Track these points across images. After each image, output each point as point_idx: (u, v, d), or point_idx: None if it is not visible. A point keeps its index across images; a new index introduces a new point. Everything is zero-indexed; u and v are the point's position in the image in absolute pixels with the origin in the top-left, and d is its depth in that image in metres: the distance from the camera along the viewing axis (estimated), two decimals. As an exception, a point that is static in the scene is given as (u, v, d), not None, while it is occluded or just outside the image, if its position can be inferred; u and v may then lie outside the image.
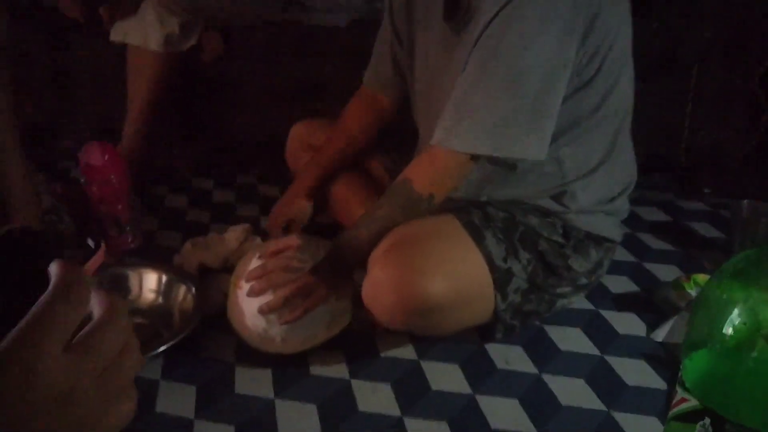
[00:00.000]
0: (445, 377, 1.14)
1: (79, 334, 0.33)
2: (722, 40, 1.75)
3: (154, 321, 1.24)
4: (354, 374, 1.14)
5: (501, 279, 1.13)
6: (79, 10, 1.78)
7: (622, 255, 1.50)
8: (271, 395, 1.09)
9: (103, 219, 1.45)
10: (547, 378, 1.13)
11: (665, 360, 1.17)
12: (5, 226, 0.38)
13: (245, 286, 1.18)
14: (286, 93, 1.91)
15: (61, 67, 2.07)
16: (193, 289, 1.26)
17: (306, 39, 1.87)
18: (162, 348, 1.10)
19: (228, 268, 1.34)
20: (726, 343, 0.47)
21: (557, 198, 1.20)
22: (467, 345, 1.21)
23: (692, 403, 0.49)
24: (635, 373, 1.15)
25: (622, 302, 1.35)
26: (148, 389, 1.09)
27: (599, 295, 1.36)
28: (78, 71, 2.06)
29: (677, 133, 1.84)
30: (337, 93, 1.50)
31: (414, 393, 1.10)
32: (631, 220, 1.44)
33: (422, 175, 1.12)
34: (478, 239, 1.13)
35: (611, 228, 1.25)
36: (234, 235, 1.44)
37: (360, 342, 1.21)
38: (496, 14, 1.00)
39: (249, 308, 1.16)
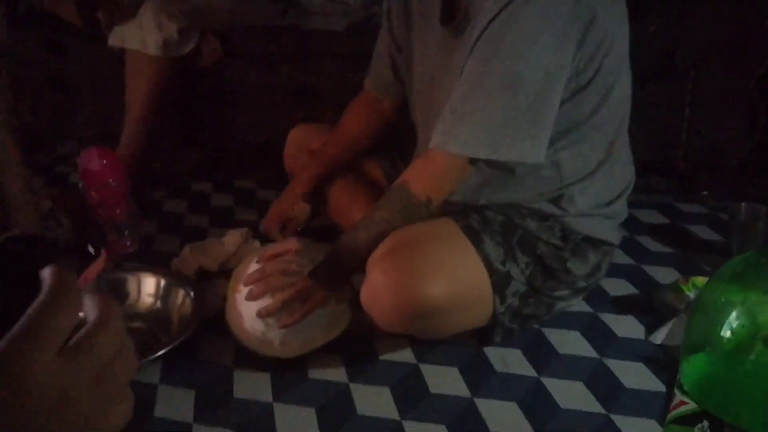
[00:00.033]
0: (444, 380, 1.13)
1: (73, 338, 0.33)
2: (720, 43, 1.75)
3: (152, 325, 1.24)
4: (353, 378, 1.14)
5: (499, 282, 1.13)
6: (77, 15, 1.78)
7: (621, 258, 1.50)
8: (270, 399, 1.09)
9: (101, 224, 1.45)
10: (545, 381, 1.13)
11: (664, 363, 1.17)
12: (5, 233, 0.38)
13: (244, 290, 1.18)
14: (285, 97, 1.91)
15: (59, 71, 2.06)
16: (192, 293, 1.25)
17: (304, 43, 1.87)
18: (160, 352, 1.10)
19: (226, 272, 1.34)
20: (724, 346, 0.47)
21: (555, 201, 1.20)
22: (466, 348, 1.21)
23: (691, 405, 0.49)
24: (634, 375, 1.15)
25: (621, 305, 1.35)
26: (146, 393, 1.09)
27: (598, 298, 1.36)
28: (76, 76, 2.05)
29: (675, 136, 1.84)
30: (336, 97, 1.50)
31: (413, 396, 1.10)
32: (630, 223, 1.44)
33: (420, 178, 1.12)
34: (477, 242, 1.13)
35: (609, 231, 1.25)
36: (232, 239, 1.44)
37: (359, 345, 1.21)
38: (496, 16, 1.00)
39: (247, 312, 1.16)
